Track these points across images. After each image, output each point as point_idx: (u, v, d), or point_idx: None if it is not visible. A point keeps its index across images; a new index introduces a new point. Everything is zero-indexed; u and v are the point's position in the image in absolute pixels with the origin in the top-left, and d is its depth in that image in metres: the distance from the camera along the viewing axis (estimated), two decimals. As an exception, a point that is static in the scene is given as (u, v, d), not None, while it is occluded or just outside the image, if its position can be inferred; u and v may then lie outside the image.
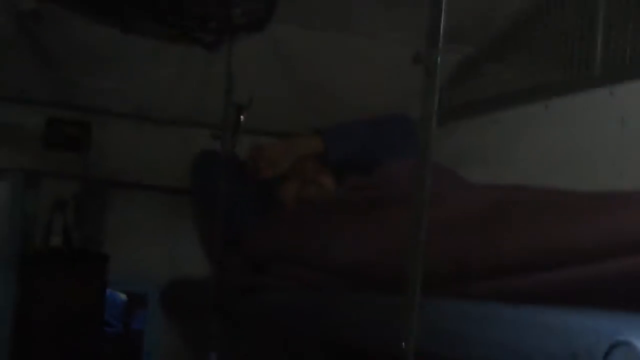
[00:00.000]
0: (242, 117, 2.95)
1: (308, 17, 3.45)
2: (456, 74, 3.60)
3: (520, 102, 3.18)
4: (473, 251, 1.92)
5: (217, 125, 3.04)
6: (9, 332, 3.53)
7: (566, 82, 2.97)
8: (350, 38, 3.57)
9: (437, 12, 1.68)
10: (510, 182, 2.85)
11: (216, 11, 2.55)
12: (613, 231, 1.65)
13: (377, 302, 2.14)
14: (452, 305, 1.84)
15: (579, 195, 2.19)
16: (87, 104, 3.59)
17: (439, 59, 1.67)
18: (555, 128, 3.01)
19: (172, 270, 3.68)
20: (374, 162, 3.31)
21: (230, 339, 3.05)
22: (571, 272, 1.67)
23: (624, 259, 1.58)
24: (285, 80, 3.62)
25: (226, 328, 3.00)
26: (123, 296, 5.49)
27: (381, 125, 3.63)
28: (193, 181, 3.65)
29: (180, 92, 3.55)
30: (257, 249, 3.11)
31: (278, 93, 3.57)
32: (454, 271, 1.93)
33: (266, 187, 3.51)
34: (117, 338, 5.38)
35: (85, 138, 3.61)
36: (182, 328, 3.79)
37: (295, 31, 3.48)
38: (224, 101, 2.97)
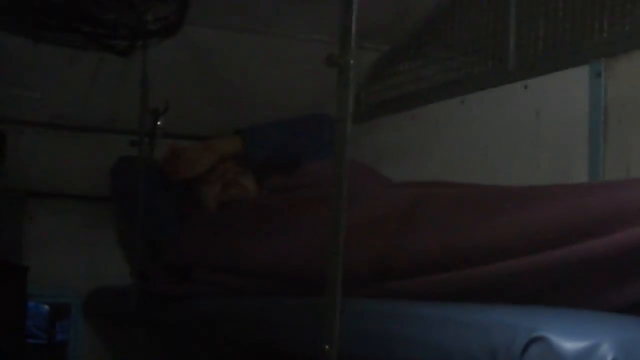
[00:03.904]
0: (158, 121, 2.93)
1: (223, 19, 3.43)
2: (373, 71, 3.61)
3: (437, 97, 3.20)
4: (392, 250, 1.93)
5: (134, 131, 3.01)
6: None
7: (481, 77, 3.00)
8: (267, 39, 3.56)
9: (349, 14, 1.68)
10: (429, 177, 2.88)
11: (127, 18, 2.52)
12: (530, 226, 1.67)
13: (299, 304, 2.14)
14: (373, 305, 1.85)
15: (496, 190, 2.22)
16: (0, 114, 3.52)
17: (351, 61, 1.67)
18: (472, 122, 3.03)
19: (95, 280, 3.62)
20: (295, 162, 3.31)
21: (154, 347, 3.02)
22: (489, 268, 1.68)
23: (540, 255, 1.60)
24: (202, 82, 3.59)
25: (150, 336, 2.97)
26: (46, 307, 5.41)
27: (301, 125, 3.62)
28: (112, 188, 3.61)
29: (95, 99, 3.50)
30: (178, 254, 3.09)
31: (196, 96, 3.54)
32: (374, 271, 1.93)
33: (187, 191, 3.48)
34: (41, 349, 5.30)
35: (-1, 148, 3.54)
36: (105, 337, 3.75)
37: (210, 33, 3.46)
38: (140, 106, 2.95)
